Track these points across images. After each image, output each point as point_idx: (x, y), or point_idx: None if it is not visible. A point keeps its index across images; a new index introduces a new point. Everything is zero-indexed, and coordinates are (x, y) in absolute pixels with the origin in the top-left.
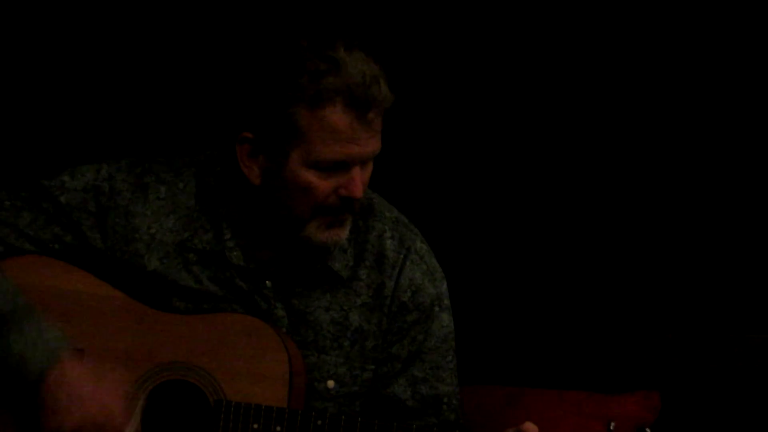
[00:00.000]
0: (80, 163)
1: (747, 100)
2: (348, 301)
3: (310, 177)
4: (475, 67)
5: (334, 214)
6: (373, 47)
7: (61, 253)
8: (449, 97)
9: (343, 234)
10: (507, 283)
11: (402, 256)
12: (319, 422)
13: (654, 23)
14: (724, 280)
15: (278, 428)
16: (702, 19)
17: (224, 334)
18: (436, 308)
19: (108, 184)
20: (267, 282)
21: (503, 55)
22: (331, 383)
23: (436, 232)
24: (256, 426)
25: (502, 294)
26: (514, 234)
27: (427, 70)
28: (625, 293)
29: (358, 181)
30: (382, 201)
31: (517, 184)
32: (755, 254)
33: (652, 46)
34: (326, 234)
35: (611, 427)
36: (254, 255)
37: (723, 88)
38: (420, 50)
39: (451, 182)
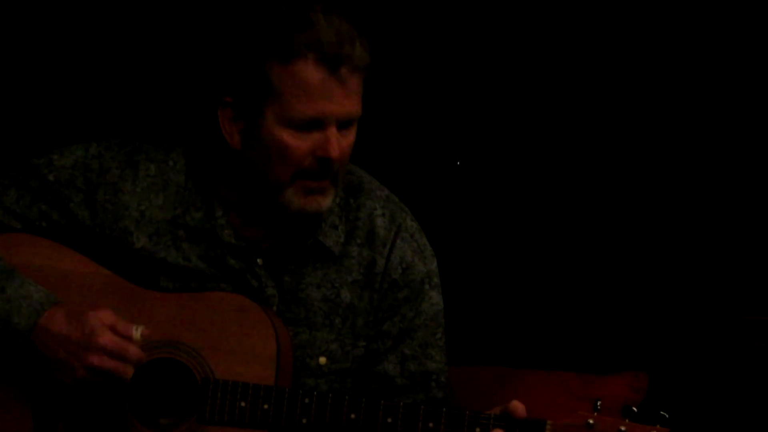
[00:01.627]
0: (66, 144)
1: (739, 86)
2: (339, 278)
3: (286, 136)
4: (460, 46)
5: (313, 178)
6: (354, 16)
7: (49, 231)
8: (434, 75)
9: (324, 203)
10: (496, 264)
11: (393, 233)
12: (306, 400)
13: (654, 23)
14: (713, 262)
15: (266, 406)
16: (702, 19)
17: (212, 312)
18: (426, 286)
19: (97, 162)
20: (258, 260)
21: (488, 34)
22: (323, 360)
23: (425, 212)
24: (243, 404)
25: (490, 275)
26: (504, 215)
27: (414, 52)
28: (613, 274)
29: (334, 141)
30: (373, 180)
31: (505, 163)
32: (743, 236)
33: (650, 39)
34: (304, 201)
35: (597, 406)
36: (245, 233)
37: (711, 78)
38: (410, 33)
39: (440, 162)
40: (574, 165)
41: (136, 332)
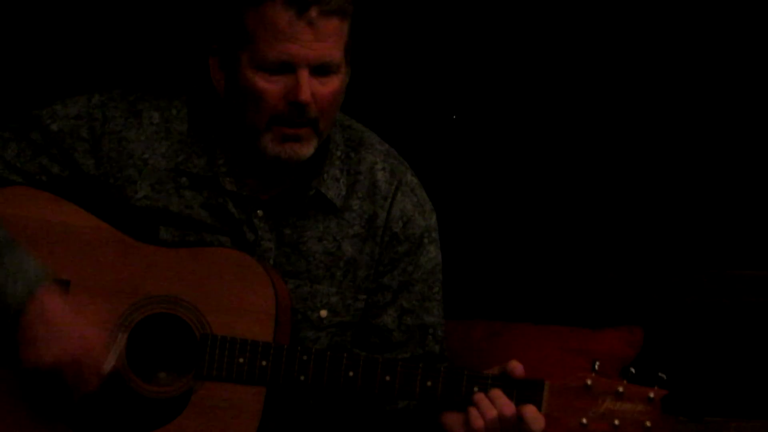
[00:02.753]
0: (68, 96)
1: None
2: (340, 231)
3: (258, 80)
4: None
5: (288, 124)
6: None
7: (48, 185)
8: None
9: (301, 151)
10: (491, 219)
11: (394, 187)
12: (305, 357)
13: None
14: (707, 216)
15: (264, 363)
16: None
17: (211, 268)
18: (425, 240)
19: (101, 111)
20: (258, 211)
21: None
22: (324, 312)
23: (421, 166)
24: (241, 360)
25: (486, 229)
26: (499, 170)
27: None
28: (608, 229)
29: (305, 84)
30: (373, 134)
31: (502, 118)
32: (736, 190)
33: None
34: (280, 148)
35: (595, 367)
36: (247, 182)
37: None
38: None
39: (438, 121)
40: (570, 119)
41: (108, 363)
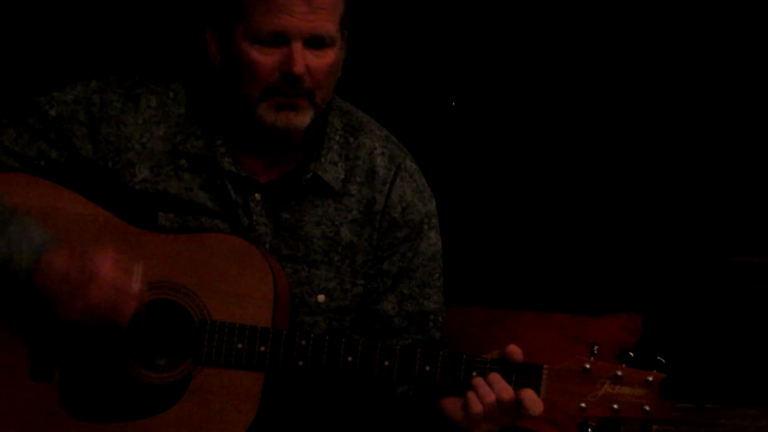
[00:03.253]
0: (63, 82)
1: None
2: (339, 216)
3: (252, 52)
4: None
5: (282, 94)
6: None
7: (47, 171)
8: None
9: (297, 120)
10: (491, 205)
11: (392, 172)
12: (303, 342)
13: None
14: (706, 202)
15: (262, 348)
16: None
17: (210, 253)
18: (425, 226)
19: (98, 96)
20: (256, 195)
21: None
22: (321, 297)
23: (420, 152)
24: (240, 346)
25: (485, 216)
26: (499, 156)
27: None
28: (608, 216)
29: (298, 56)
30: (372, 120)
31: (500, 104)
32: (735, 177)
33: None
34: (276, 116)
35: (594, 351)
36: (245, 163)
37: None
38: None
39: (437, 107)
40: (568, 103)
41: (138, 267)
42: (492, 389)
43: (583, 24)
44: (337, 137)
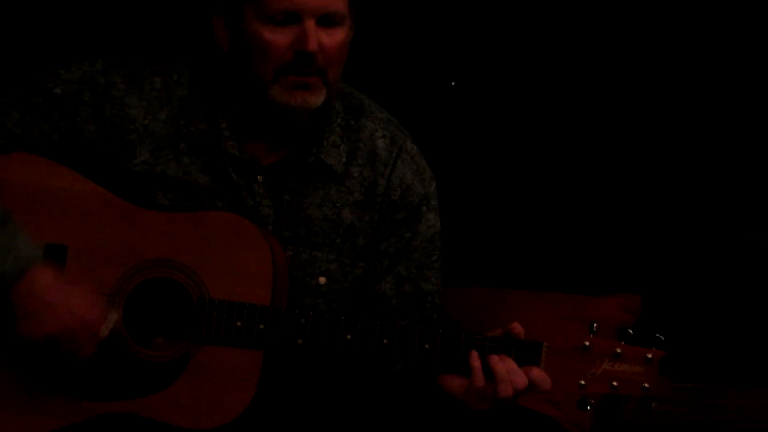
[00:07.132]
0: (69, 60)
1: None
2: (341, 198)
3: (265, 32)
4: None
5: (295, 73)
6: None
7: (48, 151)
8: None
9: (311, 99)
10: (491, 186)
11: (394, 155)
12: (302, 320)
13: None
14: (707, 183)
15: (261, 326)
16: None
17: (209, 231)
18: (424, 208)
19: (103, 77)
20: (259, 177)
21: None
22: (322, 279)
23: (423, 136)
24: (239, 324)
25: (485, 196)
26: (500, 137)
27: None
28: (607, 196)
29: (311, 34)
30: (373, 102)
31: (500, 84)
32: (736, 159)
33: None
34: (289, 96)
35: (594, 329)
36: (248, 147)
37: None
38: None
39: (437, 88)
40: (572, 88)
41: (104, 330)
42: (505, 364)
43: (573, 16)
44: (339, 120)
